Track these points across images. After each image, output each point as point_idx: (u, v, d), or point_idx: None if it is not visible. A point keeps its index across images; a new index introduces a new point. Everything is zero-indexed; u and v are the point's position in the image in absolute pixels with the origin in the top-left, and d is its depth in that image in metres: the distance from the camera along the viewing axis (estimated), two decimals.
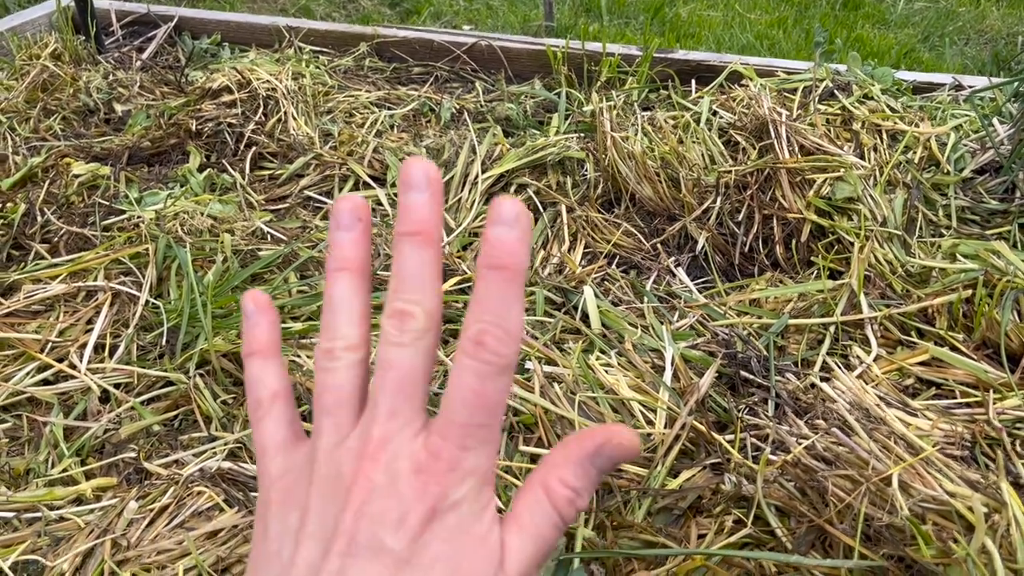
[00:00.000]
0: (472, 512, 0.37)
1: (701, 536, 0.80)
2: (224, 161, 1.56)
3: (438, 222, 0.39)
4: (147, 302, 1.16)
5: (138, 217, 1.35)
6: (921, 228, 1.26)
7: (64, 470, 0.94)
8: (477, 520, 0.37)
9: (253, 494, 0.88)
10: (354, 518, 0.36)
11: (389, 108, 1.74)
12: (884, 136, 1.40)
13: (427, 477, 0.36)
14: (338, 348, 0.40)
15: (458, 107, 1.74)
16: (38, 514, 0.87)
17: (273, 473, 0.40)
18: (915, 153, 1.37)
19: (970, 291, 1.06)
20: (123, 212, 1.38)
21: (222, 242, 1.25)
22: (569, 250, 1.27)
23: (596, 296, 1.13)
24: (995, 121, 1.44)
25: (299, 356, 1.01)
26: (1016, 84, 1.41)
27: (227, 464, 0.92)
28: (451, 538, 0.36)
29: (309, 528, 0.37)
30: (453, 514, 0.36)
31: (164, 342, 1.09)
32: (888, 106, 1.48)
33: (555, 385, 0.95)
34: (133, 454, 0.95)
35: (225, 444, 0.95)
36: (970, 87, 1.62)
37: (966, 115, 1.49)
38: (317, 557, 0.36)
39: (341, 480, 0.37)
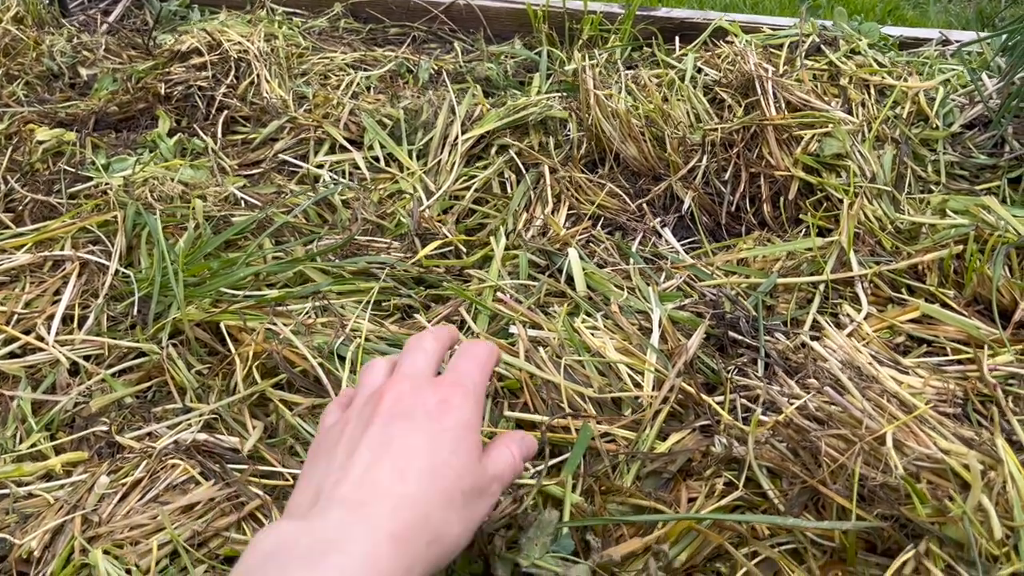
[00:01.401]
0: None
1: (692, 499, 0.79)
2: (195, 125, 1.50)
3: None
4: (117, 271, 1.12)
5: (106, 184, 1.30)
6: (910, 184, 1.24)
7: (33, 445, 0.90)
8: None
9: (230, 466, 0.85)
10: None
11: (365, 69, 1.69)
12: (872, 91, 1.37)
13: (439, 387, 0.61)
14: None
15: (436, 68, 1.69)
16: (6, 491, 0.84)
17: None
18: (903, 108, 1.35)
19: (961, 247, 1.04)
20: (90, 179, 1.33)
21: (194, 208, 1.21)
22: (552, 212, 1.24)
23: (581, 258, 1.10)
24: (983, 75, 1.41)
25: (275, 324, 0.97)
26: (1004, 37, 1.38)
27: (202, 436, 0.89)
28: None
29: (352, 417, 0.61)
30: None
31: (135, 312, 1.06)
32: (876, 61, 1.45)
33: (540, 349, 0.93)
34: (105, 427, 0.92)
35: (200, 416, 0.92)
36: (957, 42, 1.59)
37: (954, 70, 1.46)
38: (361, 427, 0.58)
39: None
